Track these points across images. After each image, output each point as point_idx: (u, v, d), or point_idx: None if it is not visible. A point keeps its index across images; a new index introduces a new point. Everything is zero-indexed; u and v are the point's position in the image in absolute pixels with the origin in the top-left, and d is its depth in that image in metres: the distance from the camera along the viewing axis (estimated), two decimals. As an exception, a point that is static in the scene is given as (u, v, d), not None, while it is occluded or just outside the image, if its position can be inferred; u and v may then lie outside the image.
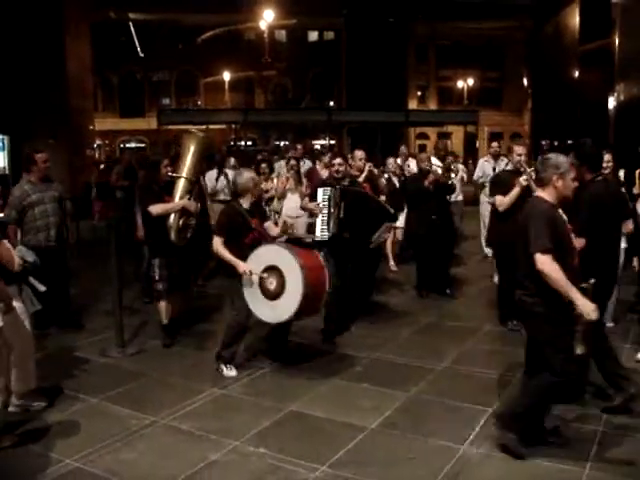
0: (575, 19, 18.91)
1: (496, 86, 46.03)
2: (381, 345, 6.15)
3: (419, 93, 45.40)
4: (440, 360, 5.72)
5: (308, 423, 4.52)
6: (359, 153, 7.39)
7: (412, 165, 10.52)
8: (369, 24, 36.54)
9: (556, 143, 17.23)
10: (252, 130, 36.44)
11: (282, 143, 33.33)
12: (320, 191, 6.52)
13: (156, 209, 5.97)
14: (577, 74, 18.67)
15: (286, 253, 5.25)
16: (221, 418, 4.58)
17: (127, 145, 40.40)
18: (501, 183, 6.47)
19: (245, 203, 5.52)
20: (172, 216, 6.03)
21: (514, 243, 4.12)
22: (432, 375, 5.40)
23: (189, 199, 6.14)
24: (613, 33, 17.08)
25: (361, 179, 7.07)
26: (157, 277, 6.09)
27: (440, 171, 8.10)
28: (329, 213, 6.38)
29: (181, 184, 6.16)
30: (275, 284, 5.20)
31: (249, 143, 34.15)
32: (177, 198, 6.10)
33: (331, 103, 41.31)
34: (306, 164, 10.52)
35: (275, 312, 5.27)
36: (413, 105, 43.45)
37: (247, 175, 5.63)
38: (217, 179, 8.93)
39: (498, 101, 45.81)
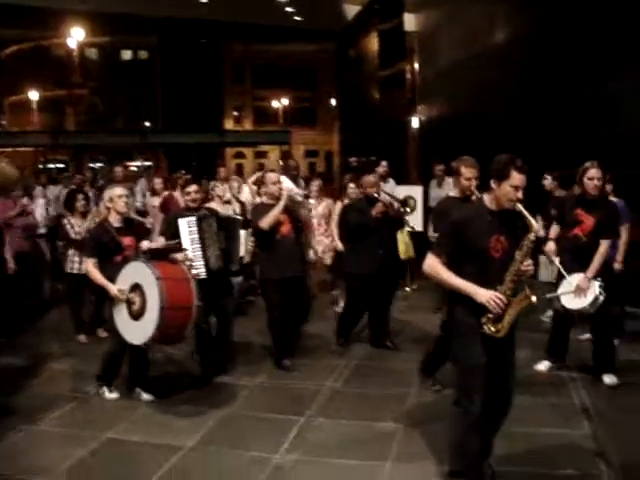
0: (375, 45, 20.28)
1: (310, 106, 47.85)
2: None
3: (235, 113, 45.97)
4: (255, 376, 5.93)
5: (125, 449, 4.49)
6: (272, 176, 6.14)
7: (246, 193, 8.80)
8: (182, 45, 36.49)
9: (364, 159, 18.43)
10: (63, 152, 34.85)
11: (97, 165, 32.20)
12: (183, 222, 5.68)
13: None
14: (378, 96, 20.09)
15: (144, 267, 4.89)
16: (30, 456, 4.38)
17: None
18: None
19: (114, 221, 5.32)
20: None
21: None
22: (246, 391, 5.59)
23: None
24: (409, 59, 18.55)
25: (279, 209, 5.88)
26: None
27: (388, 198, 6.64)
28: (203, 246, 5.67)
29: None
30: (138, 302, 4.86)
31: (60, 166, 32.58)
32: None
33: (147, 124, 40.57)
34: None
35: (138, 332, 4.86)
36: (229, 125, 43.93)
37: (106, 193, 5.44)
38: None
39: (312, 120, 47.61)
